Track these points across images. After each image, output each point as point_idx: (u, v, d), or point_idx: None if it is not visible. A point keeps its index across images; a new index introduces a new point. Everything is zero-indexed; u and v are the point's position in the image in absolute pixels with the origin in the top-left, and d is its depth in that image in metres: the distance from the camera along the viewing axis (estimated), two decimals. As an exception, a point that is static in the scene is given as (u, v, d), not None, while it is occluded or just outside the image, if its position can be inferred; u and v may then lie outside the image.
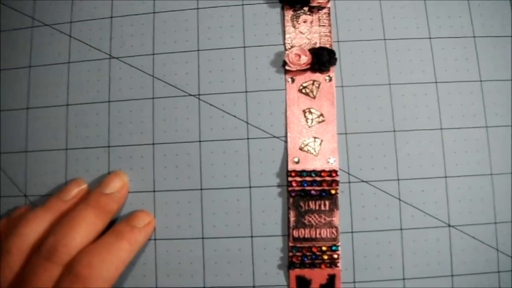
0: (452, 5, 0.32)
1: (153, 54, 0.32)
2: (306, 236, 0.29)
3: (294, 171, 0.29)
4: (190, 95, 0.31)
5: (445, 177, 0.30)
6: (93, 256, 0.27)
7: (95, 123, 0.31)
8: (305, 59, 0.30)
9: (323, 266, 0.29)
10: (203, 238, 0.30)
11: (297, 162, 0.29)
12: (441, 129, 0.30)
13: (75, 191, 0.30)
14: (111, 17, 0.32)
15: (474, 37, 0.31)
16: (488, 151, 0.30)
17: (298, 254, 0.29)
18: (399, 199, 0.29)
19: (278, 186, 0.30)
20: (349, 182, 0.30)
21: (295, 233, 0.29)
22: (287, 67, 0.30)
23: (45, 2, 0.33)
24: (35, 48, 0.33)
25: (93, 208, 0.29)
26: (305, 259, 0.29)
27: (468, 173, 0.30)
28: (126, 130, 0.31)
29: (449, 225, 0.29)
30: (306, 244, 0.29)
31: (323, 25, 0.31)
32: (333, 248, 0.29)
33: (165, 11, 0.32)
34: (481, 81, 0.31)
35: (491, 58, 0.31)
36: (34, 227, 0.28)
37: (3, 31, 0.33)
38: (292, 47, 0.31)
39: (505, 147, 0.30)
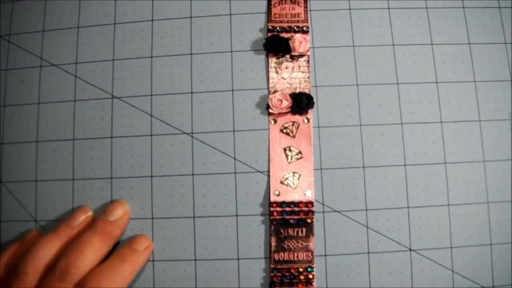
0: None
1: (151, 95, 0.37)
2: (285, 258, 0.35)
3: (275, 202, 0.35)
4: (184, 133, 0.37)
5: (408, 207, 0.36)
6: (101, 276, 0.32)
7: (100, 157, 0.37)
8: (286, 103, 0.36)
9: (300, 285, 0.34)
10: (195, 260, 0.35)
11: (278, 195, 0.35)
12: (404, 165, 0.36)
13: (82, 218, 0.36)
14: (113, 59, 0.38)
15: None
16: (446, 185, 0.36)
17: (278, 274, 0.35)
18: (367, 227, 0.35)
19: (261, 215, 0.35)
20: (324, 212, 0.35)
21: (276, 256, 0.35)
22: (270, 110, 0.36)
23: (52, 43, 0.39)
24: (43, 86, 0.38)
25: (99, 234, 0.34)
26: (284, 279, 0.35)
27: (427, 204, 0.36)
28: (127, 164, 0.36)
29: (410, 249, 0.35)
30: (285, 266, 0.35)
31: (303, 71, 0.37)
32: (309, 269, 0.35)
33: (162, 56, 0.38)
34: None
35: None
36: (47, 251, 0.34)
37: (14, 69, 0.39)
38: (275, 91, 0.36)
39: (463, 179, 0.36)
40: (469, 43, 0.38)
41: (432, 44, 0.37)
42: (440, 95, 0.37)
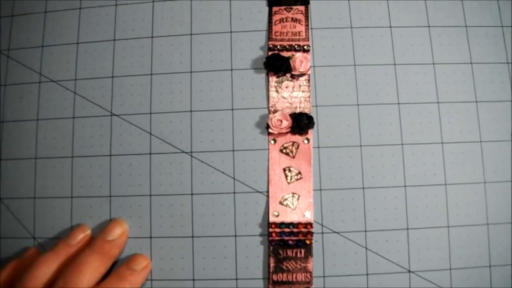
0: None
1: (151, 113, 0.37)
2: (284, 279, 0.35)
3: (274, 223, 0.35)
4: (184, 152, 0.37)
5: (407, 229, 0.36)
6: (99, 297, 0.33)
7: (98, 175, 0.37)
8: (286, 123, 0.36)
9: (298, 306, 0.35)
10: (193, 279, 0.35)
11: (277, 216, 0.35)
12: (404, 186, 0.36)
13: (80, 237, 0.36)
14: (112, 76, 0.38)
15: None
16: (446, 206, 0.36)
17: (276, 295, 0.35)
18: (366, 248, 0.36)
19: (260, 235, 0.36)
20: (323, 233, 0.36)
21: (274, 277, 0.35)
22: (270, 130, 0.36)
23: (52, 59, 0.39)
24: (42, 102, 0.38)
25: (98, 254, 0.34)
26: (283, 299, 0.35)
27: (427, 225, 0.36)
28: (126, 182, 0.37)
29: (409, 271, 0.35)
30: (283, 287, 0.35)
31: (303, 91, 0.37)
32: (307, 290, 0.35)
33: (162, 73, 0.38)
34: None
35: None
36: (45, 270, 0.34)
37: (13, 85, 0.39)
38: (275, 110, 0.36)
39: (463, 201, 0.36)
40: (471, 63, 0.38)
41: (433, 63, 0.37)
42: (441, 115, 0.37)
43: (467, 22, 0.38)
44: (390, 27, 0.38)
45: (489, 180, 0.36)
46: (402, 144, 0.36)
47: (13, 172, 0.38)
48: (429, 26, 0.38)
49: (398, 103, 0.37)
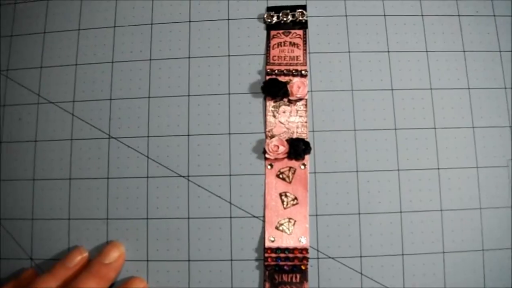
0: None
1: (148, 136, 0.38)
2: (279, 304, 0.35)
3: (270, 248, 0.36)
4: (181, 176, 0.37)
5: (402, 254, 0.36)
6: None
7: (96, 197, 0.37)
8: (283, 149, 0.36)
9: (293, 331, 0.35)
10: (189, 303, 0.36)
11: (273, 241, 0.36)
12: (400, 212, 0.36)
13: (77, 259, 0.36)
14: (111, 99, 0.38)
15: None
16: (441, 232, 0.36)
17: (271, 319, 0.35)
18: (361, 273, 0.36)
19: (256, 260, 0.36)
20: (318, 258, 0.36)
21: (270, 302, 0.35)
22: (267, 155, 0.36)
23: (50, 80, 0.39)
24: (40, 124, 0.39)
25: (94, 277, 0.35)
26: (278, 324, 0.35)
27: (422, 251, 0.36)
28: (123, 205, 0.37)
29: (404, 296, 0.36)
30: (279, 311, 0.35)
31: (300, 116, 0.37)
32: (302, 315, 0.35)
33: (160, 96, 0.38)
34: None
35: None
36: (43, 293, 0.35)
37: (11, 105, 0.39)
38: (272, 135, 0.37)
39: (458, 227, 0.36)
40: (468, 88, 0.38)
41: (431, 89, 0.38)
42: (438, 141, 0.37)
43: (465, 47, 0.39)
44: (388, 51, 0.38)
45: (485, 206, 0.37)
46: (398, 170, 0.37)
47: (10, 193, 0.38)
48: (427, 51, 0.38)
49: (395, 129, 0.37)
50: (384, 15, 0.39)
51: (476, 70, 0.38)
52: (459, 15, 0.39)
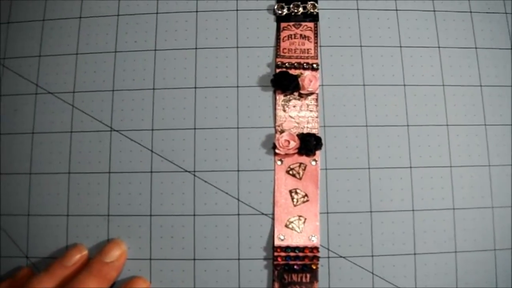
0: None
1: (152, 129, 0.36)
2: (288, 305, 0.34)
3: (279, 247, 0.34)
4: (186, 171, 0.36)
5: (414, 254, 0.35)
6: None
7: (96, 192, 0.36)
8: (294, 144, 0.35)
9: (302, 333, 0.34)
10: (194, 304, 0.35)
11: (283, 239, 0.35)
12: (412, 210, 0.36)
13: (76, 257, 0.35)
14: (113, 90, 0.37)
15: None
16: (453, 231, 0.36)
17: (280, 321, 0.34)
18: (372, 273, 0.35)
19: (265, 259, 0.35)
20: (329, 257, 0.35)
21: (278, 302, 0.34)
22: (277, 150, 0.35)
23: (49, 69, 0.37)
24: (38, 115, 0.37)
25: (95, 277, 0.33)
26: (286, 326, 0.34)
27: (434, 250, 0.35)
28: (125, 201, 0.36)
29: (416, 297, 0.35)
30: (287, 313, 0.34)
31: (311, 110, 0.36)
32: (312, 316, 0.34)
33: (165, 88, 0.37)
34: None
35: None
36: (39, 293, 0.33)
37: (7, 96, 0.38)
38: (282, 130, 0.36)
39: (470, 226, 0.36)
40: (480, 85, 0.37)
41: (443, 85, 0.37)
42: (450, 138, 0.37)
43: (477, 44, 0.38)
44: (400, 46, 0.38)
45: (496, 205, 0.36)
46: (410, 167, 0.36)
47: (6, 188, 0.36)
48: (439, 47, 0.38)
49: (408, 125, 0.37)
50: (396, 10, 0.38)
51: (488, 67, 0.38)
52: (471, 12, 0.39)
